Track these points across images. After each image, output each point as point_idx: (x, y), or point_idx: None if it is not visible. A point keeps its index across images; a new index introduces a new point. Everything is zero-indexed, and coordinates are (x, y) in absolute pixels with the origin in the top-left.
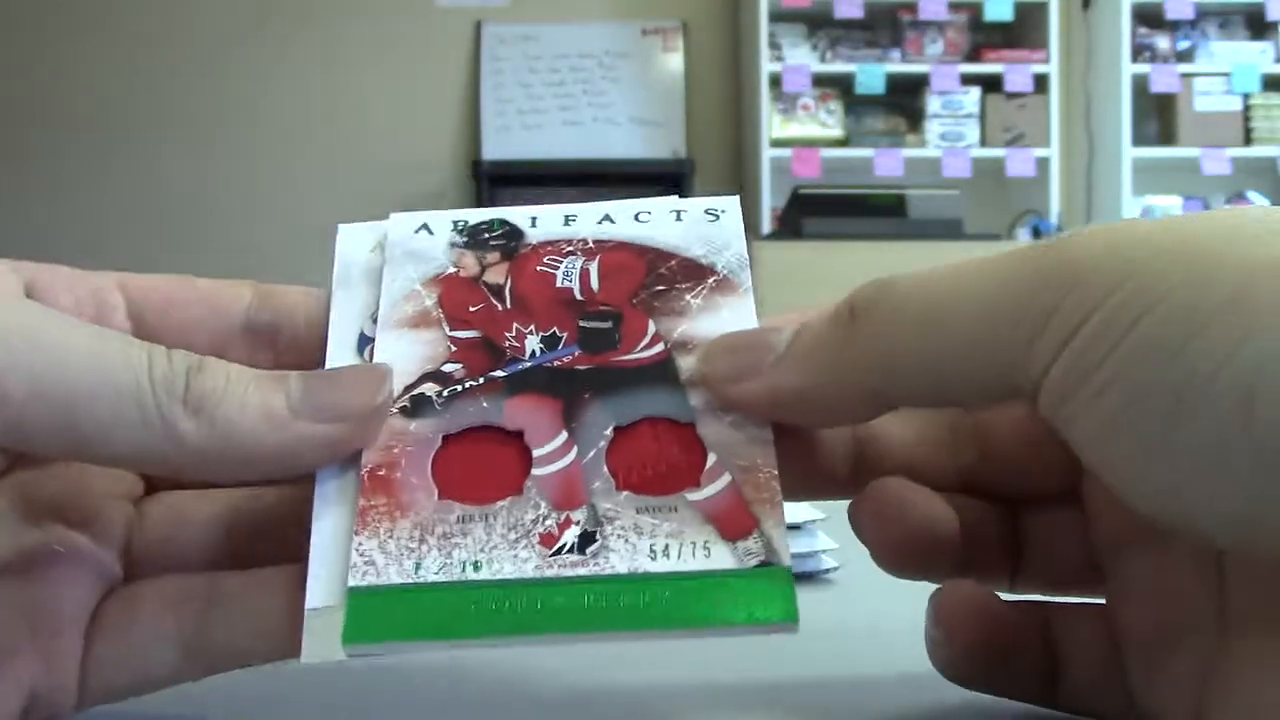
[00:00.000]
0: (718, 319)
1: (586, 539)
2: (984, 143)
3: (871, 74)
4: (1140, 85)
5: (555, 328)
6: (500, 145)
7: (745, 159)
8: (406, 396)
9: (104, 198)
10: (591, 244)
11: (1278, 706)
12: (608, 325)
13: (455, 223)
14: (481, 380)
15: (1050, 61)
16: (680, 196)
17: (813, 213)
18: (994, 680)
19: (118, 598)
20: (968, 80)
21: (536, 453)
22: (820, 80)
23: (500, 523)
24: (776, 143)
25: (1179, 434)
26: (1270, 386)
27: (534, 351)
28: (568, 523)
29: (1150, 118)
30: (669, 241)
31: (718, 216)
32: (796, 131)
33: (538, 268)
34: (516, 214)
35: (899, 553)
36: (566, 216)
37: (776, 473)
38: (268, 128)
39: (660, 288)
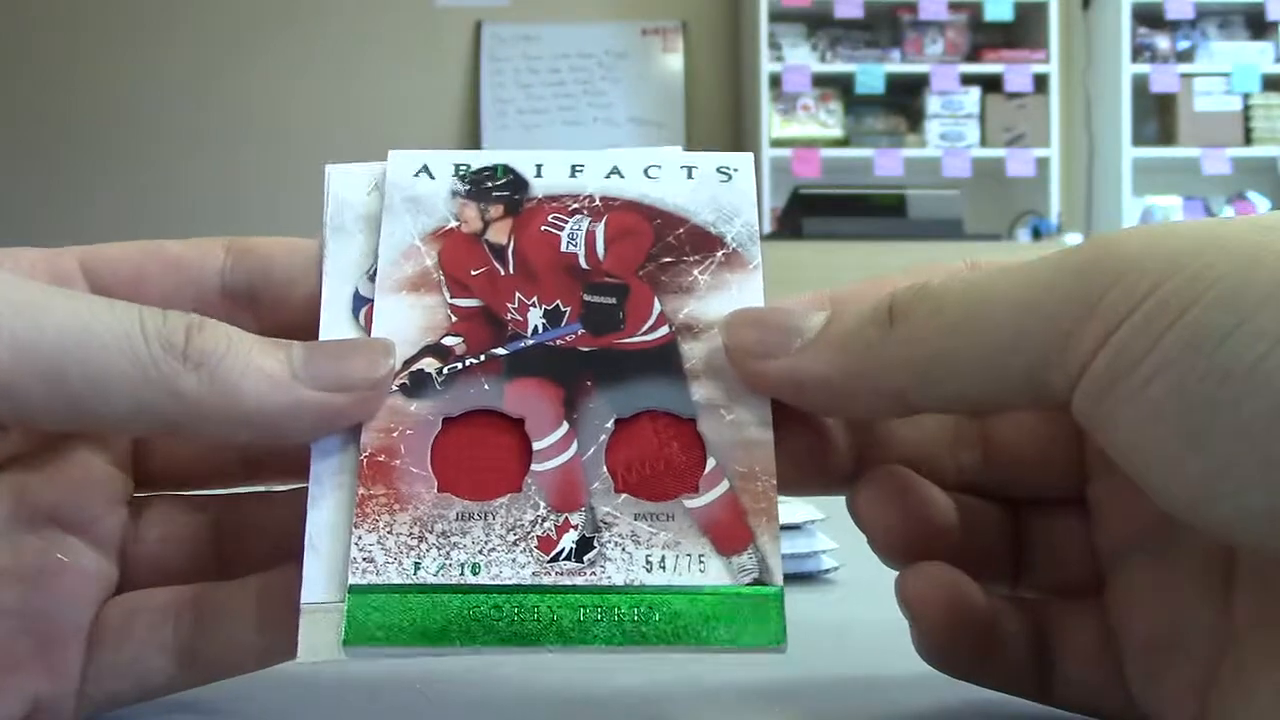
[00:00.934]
0: (726, 297)
1: (584, 545)
2: (984, 143)
3: (871, 74)
4: (1140, 85)
5: (559, 301)
6: (500, 145)
7: None
8: (406, 373)
9: (103, 198)
10: (599, 202)
11: None
12: (613, 301)
13: (458, 167)
14: (482, 358)
15: (1050, 61)
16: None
17: (813, 213)
18: (982, 670)
19: (115, 606)
20: (968, 80)
21: (537, 446)
22: (820, 80)
23: (499, 522)
24: (776, 143)
25: (1222, 422)
26: None
27: (536, 327)
28: (566, 526)
29: (1150, 118)
30: (678, 203)
31: (730, 176)
32: (796, 131)
33: (542, 228)
34: (521, 160)
35: (896, 539)
36: (574, 166)
37: (775, 482)
38: (267, 127)
39: (668, 259)
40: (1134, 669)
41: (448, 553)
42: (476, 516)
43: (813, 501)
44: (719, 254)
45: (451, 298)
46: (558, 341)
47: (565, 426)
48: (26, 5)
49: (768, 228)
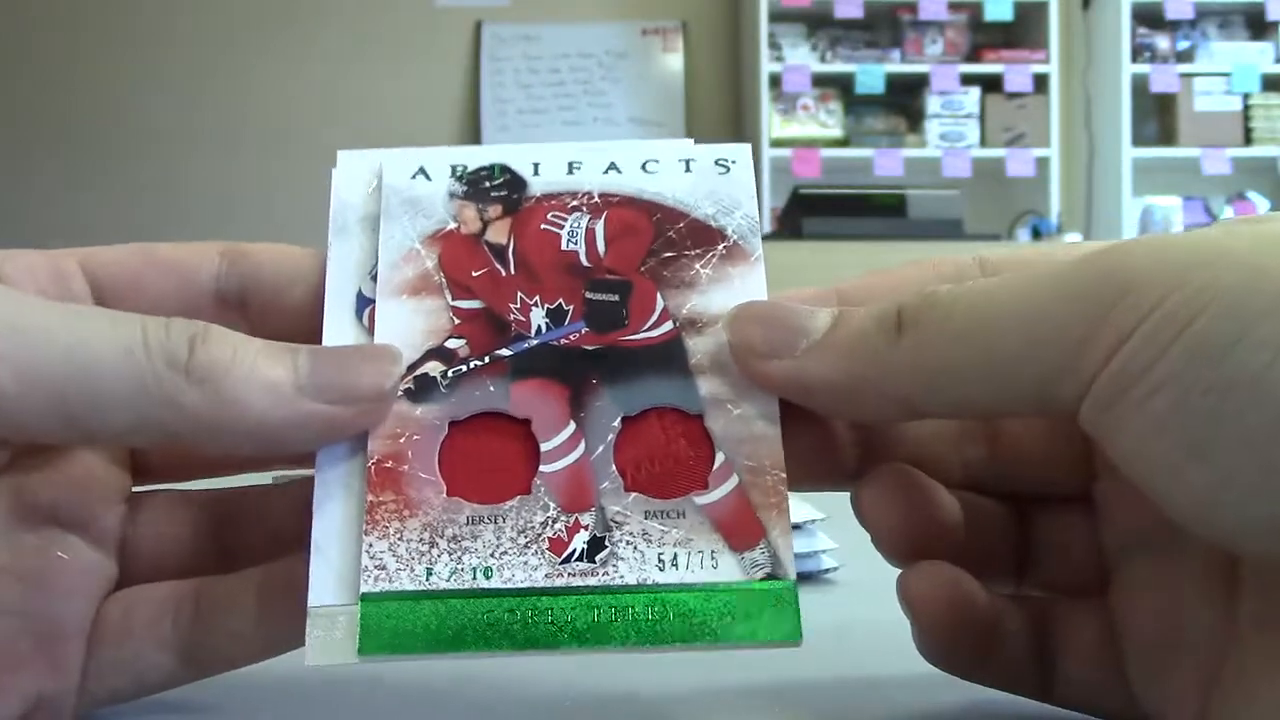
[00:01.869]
0: (729, 290)
1: (596, 545)
2: (984, 143)
3: (871, 74)
4: (1140, 85)
5: (561, 299)
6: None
7: None
8: (410, 377)
9: (103, 197)
10: (597, 198)
11: None
12: (615, 298)
13: (454, 168)
14: (487, 360)
15: (1050, 61)
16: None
17: (813, 213)
18: (983, 669)
19: (115, 603)
20: (968, 80)
21: (545, 447)
22: (820, 80)
23: (510, 525)
24: (776, 143)
25: (1225, 432)
26: None
27: (539, 327)
28: (577, 526)
29: (1150, 118)
30: (677, 197)
31: (728, 168)
32: (796, 131)
33: (541, 226)
34: (518, 157)
35: (900, 537)
36: (571, 163)
37: (784, 475)
38: (266, 127)
39: (669, 254)
40: (1136, 668)
41: (459, 557)
42: (487, 520)
43: (813, 502)
44: (720, 247)
45: (453, 300)
46: (562, 341)
47: (572, 426)
48: (26, 5)
49: (768, 228)
